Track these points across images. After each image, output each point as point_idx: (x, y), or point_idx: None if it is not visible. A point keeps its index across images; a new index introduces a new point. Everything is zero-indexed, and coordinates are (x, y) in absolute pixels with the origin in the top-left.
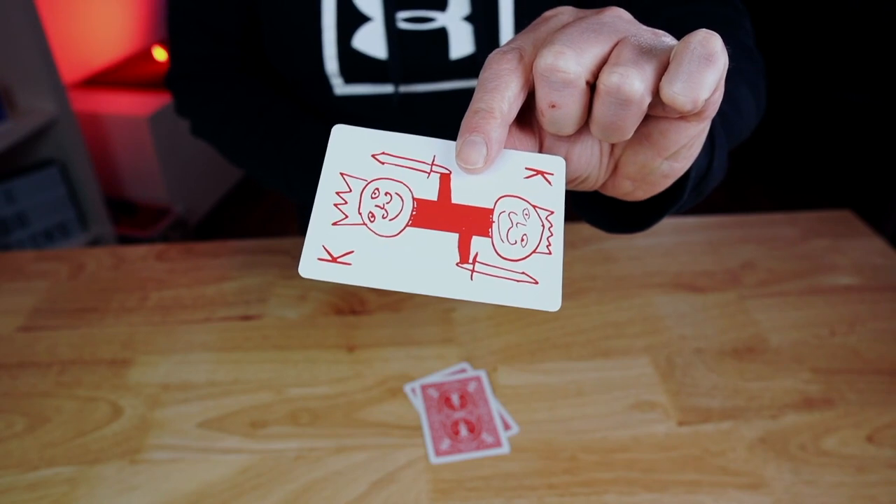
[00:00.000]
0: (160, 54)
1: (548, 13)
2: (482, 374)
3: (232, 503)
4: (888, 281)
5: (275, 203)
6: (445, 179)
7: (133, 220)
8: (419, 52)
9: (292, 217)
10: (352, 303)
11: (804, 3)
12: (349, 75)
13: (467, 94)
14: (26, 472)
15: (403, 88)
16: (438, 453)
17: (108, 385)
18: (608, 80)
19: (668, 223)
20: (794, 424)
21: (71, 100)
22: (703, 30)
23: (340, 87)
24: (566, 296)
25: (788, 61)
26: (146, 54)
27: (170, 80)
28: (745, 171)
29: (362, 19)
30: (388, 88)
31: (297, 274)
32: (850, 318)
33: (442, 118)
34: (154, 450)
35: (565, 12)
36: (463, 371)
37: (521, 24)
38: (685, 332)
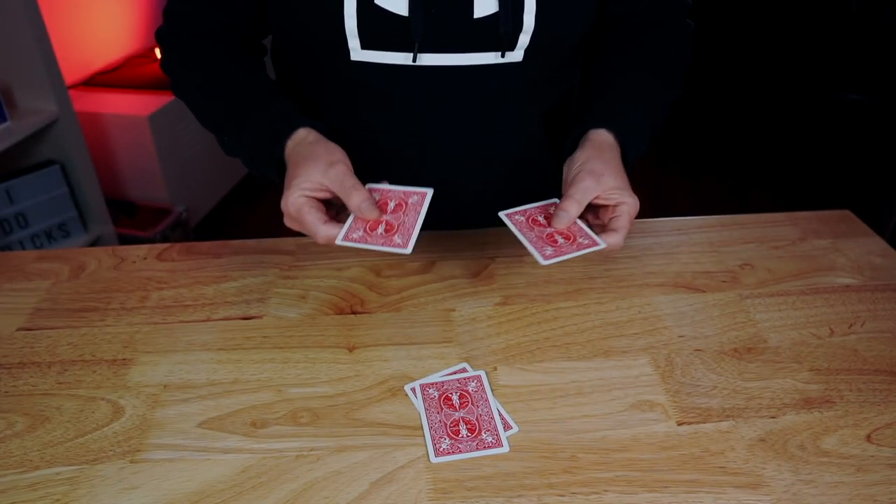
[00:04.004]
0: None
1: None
2: (482, 373)
3: (232, 503)
4: (888, 281)
5: (275, 203)
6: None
7: (133, 220)
8: (443, 9)
9: None
10: (352, 303)
11: (804, 3)
12: (367, 37)
13: (484, 70)
14: (27, 471)
15: (421, 61)
16: (438, 453)
17: (109, 385)
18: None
19: (668, 223)
20: (794, 424)
21: (71, 100)
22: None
23: (357, 53)
24: (567, 295)
25: (789, 61)
26: (146, 54)
27: (160, 34)
28: (745, 171)
29: None
30: (404, 58)
31: (298, 274)
32: (850, 318)
33: (458, 91)
34: (154, 449)
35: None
36: (463, 371)
37: None
38: (685, 332)
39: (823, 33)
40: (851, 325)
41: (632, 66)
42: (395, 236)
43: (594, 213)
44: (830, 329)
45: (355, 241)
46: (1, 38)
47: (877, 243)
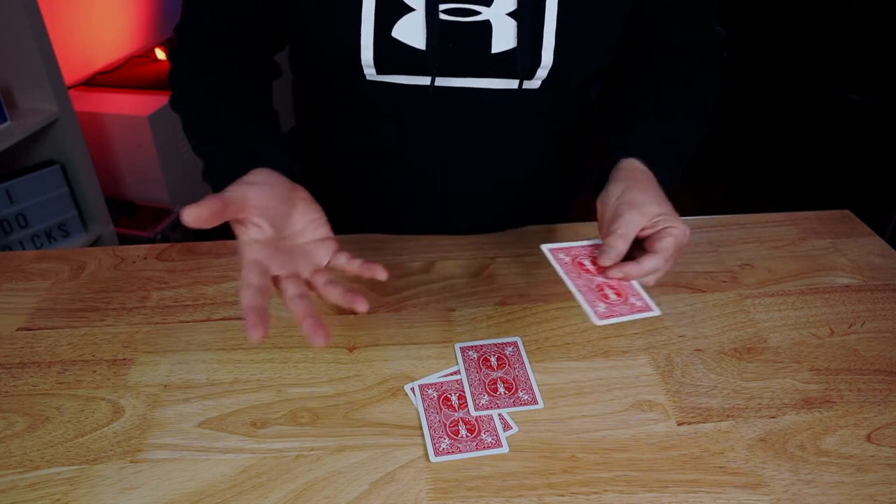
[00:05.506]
0: (161, 55)
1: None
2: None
3: (232, 503)
4: (888, 281)
5: None
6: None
7: (133, 220)
8: (461, 45)
9: None
10: None
11: (804, 3)
12: (383, 66)
13: (499, 94)
14: (27, 471)
15: (439, 81)
16: (438, 453)
17: (109, 385)
18: None
19: None
20: (794, 424)
21: (71, 100)
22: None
23: (372, 76)
24: (567, 296)
25: (789, 61)
26: (146, 54)
27: (173, 51)
28: (745, 171)
29: (405, 9)
30: (420, 79)
31: None
32: (850, 318)
33: (472, 112)
34: (154, 449)
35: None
36: (457, 372)
37: (563, 22)
38: (685, 332)
39: (823, 33)
40: (851, 325)
41: (664, 100)
42: (633, 300)
43: (640, 247)
44: (830, 329)
45: (607, 315)
46: (1, 38)
47: (877, 243)
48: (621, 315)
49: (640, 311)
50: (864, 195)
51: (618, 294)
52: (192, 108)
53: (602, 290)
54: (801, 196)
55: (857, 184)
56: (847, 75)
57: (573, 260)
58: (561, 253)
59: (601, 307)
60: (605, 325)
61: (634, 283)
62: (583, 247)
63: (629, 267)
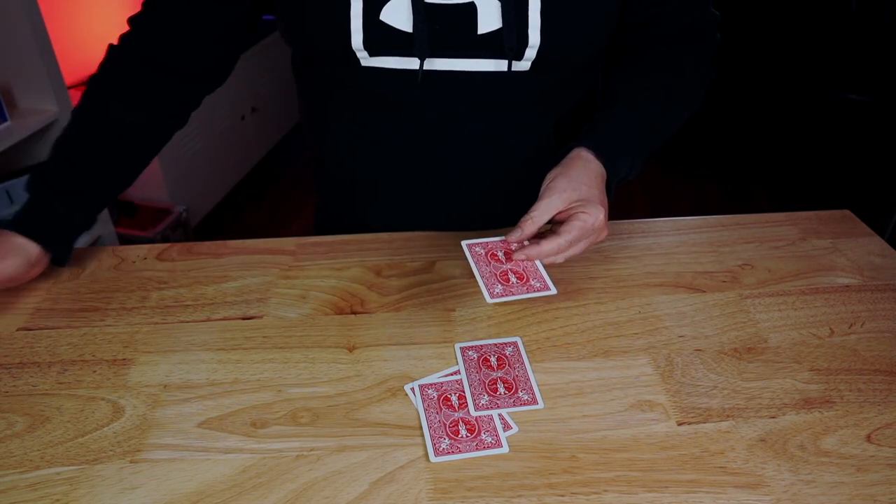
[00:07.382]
0: None
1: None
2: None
3: (232, 503)
4: (888, 281)
5: (275, 203)
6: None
7: (133, 220)
8: (447, 26)
9: (293, 217)
10: (352, 303)
11: (804, 3)
12: (373, 49)
13: (490, 77)
14: (27, 471)
15: (428, 65)
16: (438, 453)
17: (109, 385)
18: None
19: (668, 223)
20: (794, 424)
21: (71, 100)
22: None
23: (366, 60)
24: (567, 296)
25: (789, 61)
26: None
27: (115, 46)
28: (745, 171)
29: None
30: (413, 63)
31: (298, 274)
32: (850, 318)
33: (464, 96)
34: (154, 449)
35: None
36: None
37: (548, 2)
38: (685, 332)
39: (823, 33)
40: (851, 325)
41: (641, 83)
42: (532, 282)
43: (555, 229)
44: (830, 329)
45: (502, 295)
46: (1, 38)
47: (877, 243)
48: (515, 294)
49: (536, 291)
50: (864, 195)
51: (519, 278)
52: (75, 121)
53: (506, 275)
54: (801, 196)
55: (857, 184)
56: (847, 75)
57: (487, 252)
58: (477, 247)
59: (498, 288)
60: (601, 325)
61: (539, 266)
62: (500, 241)
63: (530, 248)
